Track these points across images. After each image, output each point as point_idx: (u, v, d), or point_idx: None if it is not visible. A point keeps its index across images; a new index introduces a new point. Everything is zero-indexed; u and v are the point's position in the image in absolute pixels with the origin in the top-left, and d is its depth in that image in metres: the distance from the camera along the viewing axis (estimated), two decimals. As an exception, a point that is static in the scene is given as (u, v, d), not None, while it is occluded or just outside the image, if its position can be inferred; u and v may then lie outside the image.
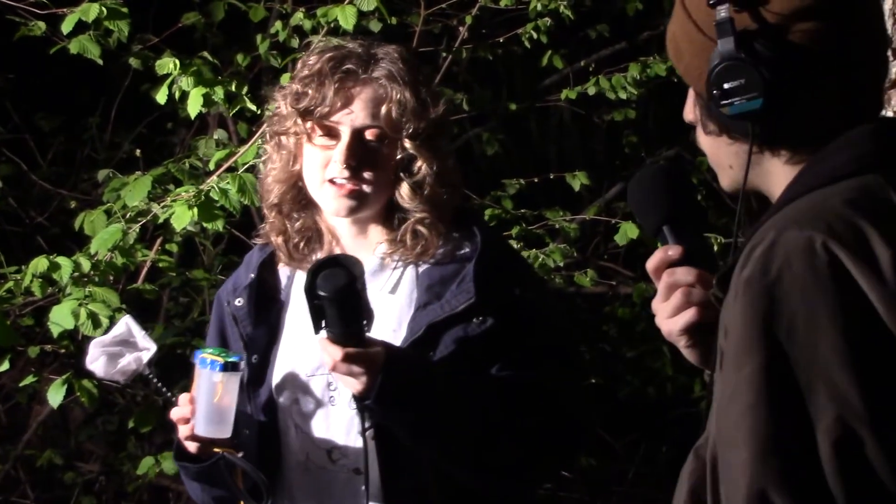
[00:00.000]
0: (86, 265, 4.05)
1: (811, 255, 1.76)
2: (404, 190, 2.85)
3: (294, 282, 2.97)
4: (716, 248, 4.93)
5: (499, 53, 5.52)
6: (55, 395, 4.01)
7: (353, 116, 2.82)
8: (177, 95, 4.07)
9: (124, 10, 4.19)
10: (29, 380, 4.32)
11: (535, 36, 5.14)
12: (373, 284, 2.83)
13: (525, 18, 5.34)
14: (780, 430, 1.73)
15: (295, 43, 4.72)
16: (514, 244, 5.00)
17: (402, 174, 2.85)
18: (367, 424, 2.76)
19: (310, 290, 2.65)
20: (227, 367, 2.78)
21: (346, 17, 4.30)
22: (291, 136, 2.89)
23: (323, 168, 2.84)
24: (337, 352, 2.66)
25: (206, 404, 2.79)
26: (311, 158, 2.87)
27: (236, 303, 2.96)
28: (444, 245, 2.86)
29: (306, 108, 2.84)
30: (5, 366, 4.08)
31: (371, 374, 2.68)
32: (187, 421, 2.82)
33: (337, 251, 2.92)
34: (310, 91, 2.84)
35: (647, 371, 6.53)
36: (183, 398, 2.84)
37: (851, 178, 1.85)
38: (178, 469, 2.97)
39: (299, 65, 2.93)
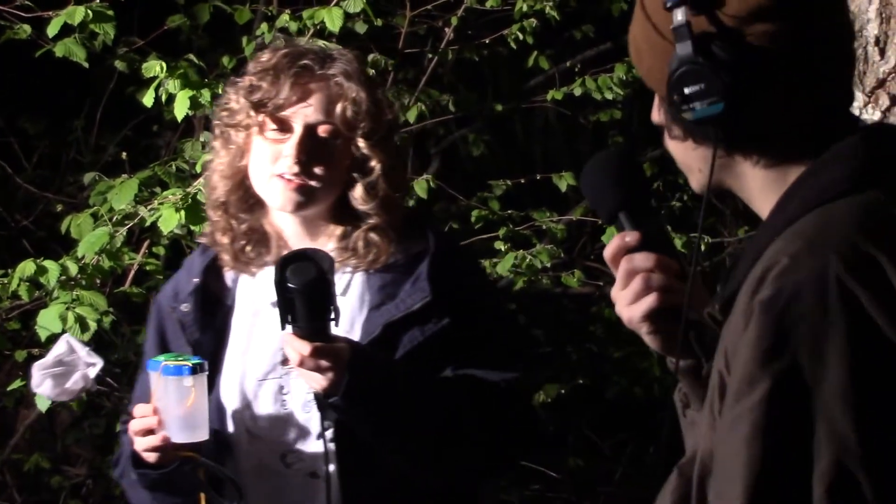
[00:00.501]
0: (73, 269, 4.05)
1: (823, 287, 1.70)
2: (357, 191, 2.85)
3: (239, 286, 2.94)
4: (703, 248, 4.95)
5: (484, 54, 5.51)
6: (43, 400, 4.00)
7: (306, 111, 2.81)
8: (163, 98, 4.07)
9: (110, 12, 4.19)
10: (17, 384, 4.31)
11: (520, 37, 5.14)
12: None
13: (510, 19, 5.34)
14: (776, 467, 1.69)
15: (281, 44, 4.70)
16: (502, 245, 5.01)
17: (354, 174, 2.85)
18: (325, 424, 2.76)
19: (280, 284, 2.63)
20: (196, 370, 2.74)
21: (332, 19, 4.30)
22: (241, 129, 2.86)
23: (272, 162, 2.82)
24: (305, 347, 2.64)
25: (179, 410, 2.74)
26: (260, 152, 2.84)
27: (182, 308, 2.91)
28: (396, 248, 2.85)
29: (260, 100, 2.82)
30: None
31: (338, 370, 2.66)
32: (151, 431, 2.76)
33: (280, 252, 2.87)
34: (264, 84, 2.83)
35: (634, 371, 6.54)
36: (142, 409, 2.78)
37: (851, 194, 1.80)
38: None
39: (252, 61, 2.92)
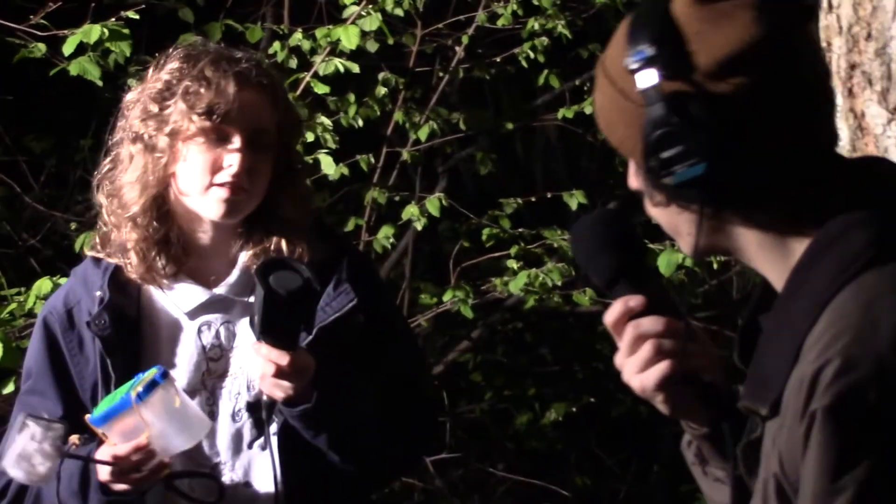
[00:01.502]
0: (88, 287, 4.04)
1: (887, 382, 1.63)
2: (285, 196, 2.83)
3: (143, 298, 2.86)
4: (715, 265, 4.95)
5: (492, 73, 5.53)
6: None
7: (248, 120, 2.76)
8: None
9: (126, 31, 4.20)
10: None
11: (531, 55, 5.16)
12: (241, 295, 2.83)
13: (517, 39, 5.36)
14: None
15: (293, 63, 4.72)
16: (514, 264, 5.02)
17: (281, 181, 2.83)
18: (271, 433, 2.73)
19: (268, 294, 2.59)
20: (165, 374, 2.69)
21: (349, 37, 4.31)
22: (167, 136, 2.75)
23: (210, 172, 2.75)
24: (283, 357, 2.62)
25: (172, 417, 2.69)
26: (196, 161, 2.76)
27: (98, 322, 2.80)
28: (310, 253, 2.83)
29: (204, 106, 2.73)
30: (10, 388, 4.06)
31: (306, 377, 2.67)
32: (143, 462, 2.68)
33: (196, 262, 2.84)
34: (203, 90, 2.74)
35: (640, 390, 6.53)
36: (122, 450, 2.66)
37: (876, 265, 1.71)
38: None
39: (173, 63, 2.80)
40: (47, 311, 2.90)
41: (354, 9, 4.54)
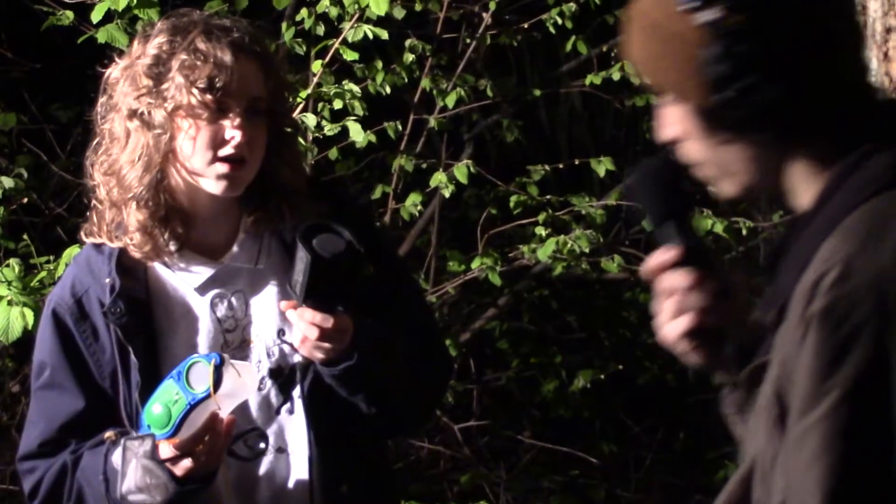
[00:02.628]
0: (117, 254, 4.04)
1: (882, 292, 1.69)
2: (280, 161, 2.81)
3: (150, 277, 2.82)
4: (744, 232, 4.93)
5: (519, 40, 5.50)
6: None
7: (246, 89, 2.73)
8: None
9: (154, -2, 4.19)
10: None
11: (559, 21, 5.13)
12: (249, 262, 2.82)
13: (543, 5, 5.33)
14: (850, 478, 1.68)
15: (321, 31, 4.71)
16: (542, 231, 5.01)
17: (276, 146, 2.80)
18: (297, 396, 2.75)
19: (314, 258, 2.58)
20: (220, 357, 2.68)
21: (378, 3, 4.29)
22: (163, 111, 2.70)
23: (213, 146, 2.71)
24: (327, 320, 2.62)
25: (236, 388, 2.69)
26: (196, 135, 2.71)
27: (115, 311, 2.75)
28: (308, 211, 2.81)
29: (204, 81, 2.69)
30: (41, 355, 4.07)
31: (347, 338, 2.67)
32: (217, 438, 2.68)
33: (199, 234, 2.82)
34: (200, 63, 2.69)
35: (667, 357, 6.52)
36: (198, 436, 2.65)
37: (892, 188, 1.79)
38: None
39: (163, 37, 2.73)
40: (55, 303, 2.83)
41: (383, -25, 4.52)
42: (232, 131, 2.71)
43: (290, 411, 2.79)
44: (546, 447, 6.14)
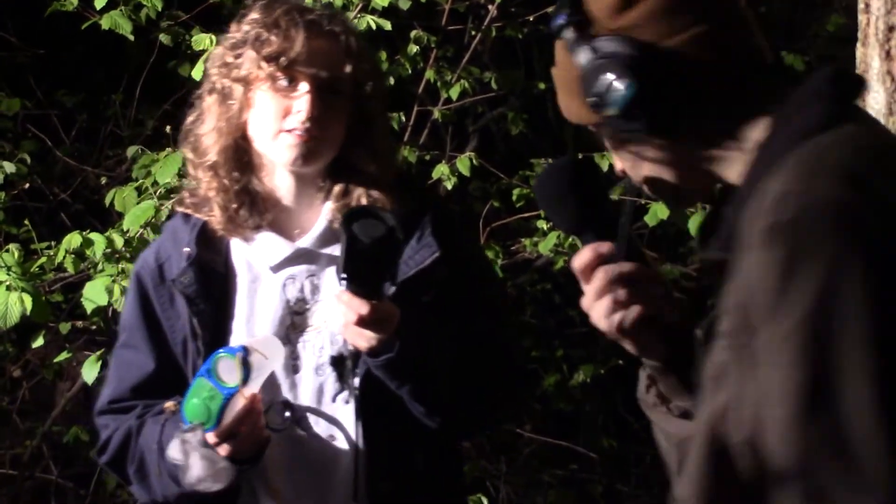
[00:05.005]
0: (118, 241, 4.06)
1: (830, 207, 1.71)
2: (361, 148, 2.83)
3: (232, 252, 2.89)
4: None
5: (525, 32, 5.49)
6: (90, 372, 4.03)
7: (318, 66, 2.77)
8: (211, 71, 4.06)
9: (158, -15, 4.20)
10: (63, 356, 4.33)
11: (565, 15, 5.11)
12: (326, 248, 2.83)
13: (549, -2, 5.32)
14: (828, 381, 1.68)
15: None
16: (544, 224, 5.00)
17: (356, 132, 2.83)
18: (354, 386, 2.75)
19: (350, 240, 2.58)
20: (244, 349, 2.73)
21: (382, -6, 4.29)
22: (243, 84, 2.80)
23: (281, 117, 2.77)
24: (363, 306, 2.61)
25: (263, 370, 2.76)
26: (267, 107, 2.79)
27: (183, 280, 2.84)
28: (393, 205, 2.82)
29: (273, 53, 2.76)
30: (39, 341, 4.09)
31: (390, 327, 2.66)
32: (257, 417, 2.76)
33: (280, 215, 2.85)
34: (273, 37, 2.77)
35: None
36: (239, 419, 2.72)
37: (829, 129, 1.83)
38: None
39: (252, 14, 2.82)
40: (139, 266, 2.94)
41: (388, -35, 4.52)
42: (299, 104, 2.76)
43: (346, 401, 2.80)
44: (546, 441, 6.15)
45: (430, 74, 5.13)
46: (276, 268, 2.86)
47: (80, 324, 4.48)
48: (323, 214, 2.85)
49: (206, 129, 2.84)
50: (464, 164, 4.94)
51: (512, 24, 5.33)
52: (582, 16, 1.90)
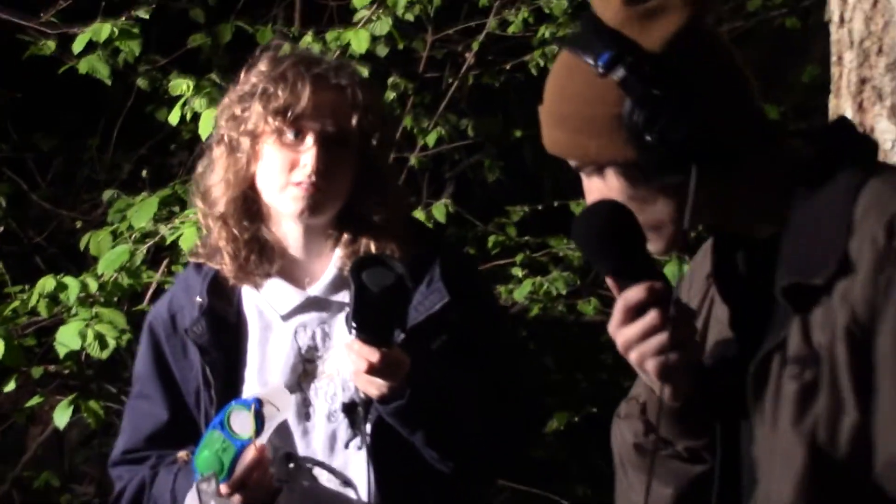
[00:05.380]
0: (93, 285, 4.05)
1: None
2: (369, 197, 2.85)
3: (243, 300, 2.91)
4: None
5: (502, 80, 5.52)
6: (61, 416, 4.01)
7: (324, 120, 2.80)
8: (188, 117, 4.07)
9: (136, 30, 4.21)
10: (35, 400, 4.31)
11: (541, 63, 5.15)
12: (336, 296, 2.85)
13: (527, 46, 5.35)
14: None
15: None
16: (519, 272, 5.01)
17: (365, 182, 2.85)
18: (367, 432, 2.75)
19: (358, 289, 2.59)
20: (258, 401, 2.75)
21: (359, 41, 4.31)
22: (250, 137, 2.83)
23: (288, 171, 2.80)
24: (373, 354, 2.63)
25: (274, 421, 2.78)
26: (273, 160, 2.82)
27: (196, 329, 2.86)
28: (402, 252, 2.83)
29: (279, 107, 2.79)
30: (11, 385, 4.07)
31: (401, 375, 2.67)
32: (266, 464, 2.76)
33: (289, 263, 2.87)
34: (280, 91, 2.79)
35: (643, 401, 6.51)
36: (250, 468, 2.74)
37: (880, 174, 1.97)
38: None
39: (260, 66, 2.86)
40: (152, 317, 2.96)
41: (365, 13, 4.54)
42: (304, 158, 2.79)
43: (359, 447, 2.81)
44: (520, 489, 6.12)
45: (407, 121, 5.15)
46: (287, 316, 2.87)
47: (52, 368, 4.45)
48: (332, 262, 2.87)
49: (215, 179, 2.87)
50: (439, 210, 4.95)
51: (489, 71, 5.36)
52: (632, 52, 1.95)
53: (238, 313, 2.90)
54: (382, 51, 4.96)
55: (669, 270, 4.73)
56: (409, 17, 4.67)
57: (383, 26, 4.43)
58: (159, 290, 4.48)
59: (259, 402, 2.74)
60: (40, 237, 5.89)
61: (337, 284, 2.86)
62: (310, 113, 2.79)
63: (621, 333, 1.97)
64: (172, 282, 4.45)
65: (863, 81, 2.99)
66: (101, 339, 3.89)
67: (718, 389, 2.03)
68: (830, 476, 1.92)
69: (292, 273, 2.89)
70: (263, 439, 2.76)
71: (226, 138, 2.86)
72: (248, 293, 2.90)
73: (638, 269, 1.98)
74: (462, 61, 5.38)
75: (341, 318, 2.84)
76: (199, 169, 2.94)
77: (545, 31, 5.14)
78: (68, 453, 5.99)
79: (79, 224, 5.32)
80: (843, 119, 2.18)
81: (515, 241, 5.28)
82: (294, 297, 2.87)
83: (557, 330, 6.43)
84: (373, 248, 2.84)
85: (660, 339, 1.94)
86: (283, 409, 2.79)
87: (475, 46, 5.21)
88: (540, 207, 5.53)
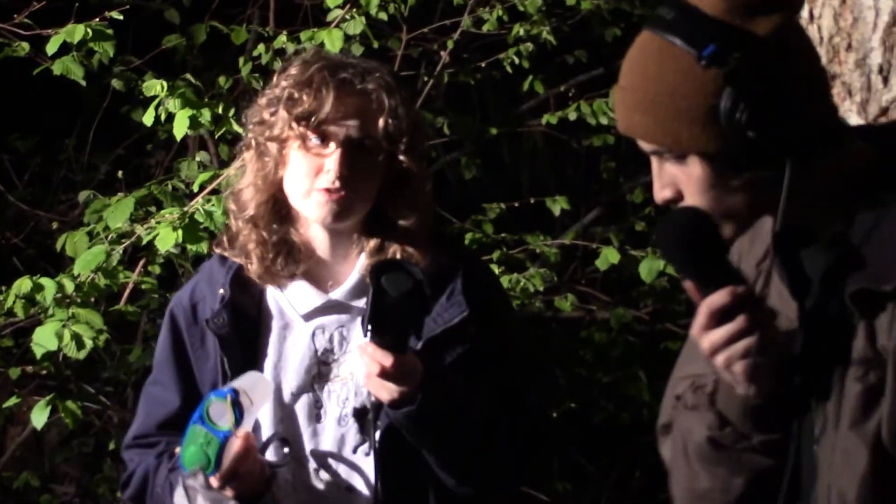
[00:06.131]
0: (69, 286, 4.05)
1: None
2: (397, 204, 2.85)
3: (266, 298, 2.93)
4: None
5: (478, 78, 5.54)
6: (39, 417, 4.01)
7: (349, 125, 2.80)
8: (162, 117, 4.07)
9: (109, 31, 4.20)
10: (13, 401, 4.30)
11: (516, 61, 5.16)
12: (358, 301, 2.86)
13: (503, 44, 5.37)
14: None
15: (277, 66, 4.71)
16: (496, 268, 5.02)
17: (392, 188, 2.85)
18: (376, 438, 2.77)
19: (376, 293, 2.61)
20: (234, 391, 2.77)
21: (332, 41, 4.31)
22: (277, 142, 2.84)
23: (313, 176, 2.81)
24: (387, 358, 2.65)
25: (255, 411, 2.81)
26: (299, 166, 2.83)
27: (217, 320, 2.89)
28: (427, 261, 2.85)
29: (303, 113, 2.80)
30: (-9, 384, 4.07)
31: (413, 382, 2.69)
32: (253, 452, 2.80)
33: (315, 266, 2.88)
34: (304, 97, 2.80)
35: (622, 397, 6.54)
36: (240, 458, 2.77)
37: None
38: None
39: (290, 70, 2.87)
40: (174, 304, 2.99)
41: (339, 12, 4.55)
42: (329, 163, 2.79)
43: (367, 453, 2.82)
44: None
45: (382, 119, 5.14)
46: (308, 317, 2.89)
47: (30, 369, 4.46)
48: (357, 268, 2.88)
49: (245, 183, 2.89)
50: (416, 208, 4.94)
51: (464, 69, 5.37)
52: (738, 46, 1.97)
53: (259, 308, 2.92)
54: (357, 50, 4.94)
55: (645, 268, 4.76)
56: (383, 16, 4.67)
57: (357, 25, 4.43)
58: (136, 291, 4.49)
59: (235, 392, 2.75)
60: (17, 238, 5.88)
61: (359, 290, 2.86)
62: (333, 118, 2.80)
63: (707, 337, 2.00)
64: (150, 282, 4.50)
65: (832, 77, 3.01)
66: (77, 339, 3.89)
67: (793, 386, 2.06)
68: (894, 477, 1.95)
69: (317, 275, 2.91)
70: (247, 427, 2.77)
71: (254, 143, 2.88)
72: (270, 290, 2.92)
73: (721, 275, 2.01)
74: (437, 59, 5.39)
75: (360, 323, 2.83)
76: (232, 170, 2.98)
77: (520, 29, 5.15)
78: (48, 453, 5.99)
79: (55, 225, 5.32)
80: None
81: (492, 238, 5.29)
82: (315, 298, 2.89)
83: (536, 327, 6.45)
84: (398, 255, 2.84)
85: (747, 343, 1.99)
86: (264, 396, 2.80)
87: (450, 44, 5.22)
88: (517, 205, 5.54)
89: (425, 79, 5.38)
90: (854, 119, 2.98)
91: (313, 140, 2.81)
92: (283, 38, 4.65)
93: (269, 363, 2.90)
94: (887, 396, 1.95)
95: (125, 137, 6.01)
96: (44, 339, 3.90)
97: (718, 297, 1.99)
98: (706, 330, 2.00)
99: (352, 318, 2.88)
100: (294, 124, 2.81)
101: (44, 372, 4.46)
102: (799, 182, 2.00)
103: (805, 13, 3.07)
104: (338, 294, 2.89)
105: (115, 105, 5.58)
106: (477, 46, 5.70)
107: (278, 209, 2.89)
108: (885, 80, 2.95)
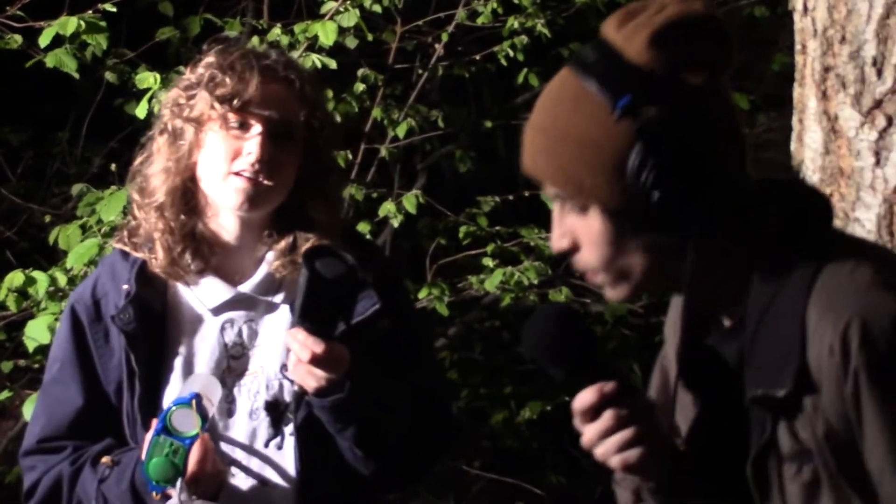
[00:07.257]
0: (62, 280, 4.04)
1: None
2: (311, 196, 2.83)
3: (170, 293, 2.87)
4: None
5: (472, 71, 5.53)
6: (31, 411, 3.98)
7: (270, 110, 2.77)
8: (156, 110, 4.06)
9: (102, 24, 4.19)
10: (5, 394, 4.30)
11: (510, 54, 5.16)
12: (265, 296, 2.84)
13: (497, 37, 5.36)
14: None
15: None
16: (490, 262, 5.03)
17: (309, 181, 2.83)
18: (287, 432, 2.76)
19: (312, 278, 2.59)
20: (196, 395, 2.73)
21: (326, 34, 4.31)
22: (194, 124, 2.79)
23: (231, 159, 2.76)
24: (318, 345, 2.62)
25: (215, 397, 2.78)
26: (217, 148, 2.77)
27: (123, 317, 2.82)
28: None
29: (226, 94, 2.76)
30: (-15, 376, 4.07)
31: (342, 369, 2.66)
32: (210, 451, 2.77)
33: (223, 259, 2.85)
34: (228, 79, 2.76)
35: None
36: (203, 461, 2.74)
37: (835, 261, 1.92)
38: None
39: (208, 58, 2.83)
40: (75, 300, 2.91)
41: (332, 5, 4.54)
42: (249, 146, 2.75)
43: (279, 447, 2.81)
44: (494, 478, 6.14)
45: (377, 113, 5.15)
46: (216, 311, 2.85)
47: (22, 362, 4.46)
48: (265, 262, 2.85)
49: (155, 169, 2.82)
50: (410, 201, 4.96)
51: (459, 62, 5.37)
52: (653, 102, 1.89)
53: (164, 303, 2.86)
54: (351, 42, 4.96)
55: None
56: (377, 8, 4.68)
57: (350, 18, 4.43)
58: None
59: (198, 396, 2.72)
60: (11, 231, 5.87)
61: (267, 285, 2.84)
62: (257, 101, 2.76)
63: (584, 433, 1.99)
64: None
65: (826, 70, 3.00)
66: (70, 333, 3.88)
67: (704, 476, 2.05)
68: None
69: (225, 268, 2.87)
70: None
71: (169, 127, 2.81)
72: (178, 285, 2.87)
73: (589, 372, 1.97)
74: (432, 52, 5.39)
75: (269, 317, 2.83)
76: (138, 160, 2.88)
77: (514, 22, 5.15)
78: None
79: (48, 218, 5.31)
80: (797, 182, 2.16)
81: (487, 231, 5.29)
82: (224, 292, 2.85)
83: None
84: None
85: (618, 438, 1.96)
86: (216, 394, 2.78)
87: (445, 37, 5.22)
88: (511, 198, 5.54)
89: (420, 71, 5.38)
90: (848, 111, 2.97)
91: (234, 122, 2.77)
92: (277, 30, 4.64)
93: (178, 359, 2.85)
94: (825, 489, 1.91)
95: (119, 130, 5.98)
96: (36, 333, 3.90)
97: (586, 396, 1.96)
98: (581, 425, 1.98)
99: (260, 312, 2.85)
100: (216, 104, 2.76)
101: (36, 366, 4.45)
102: (703, 252, 1.94)
103: (799, 5, 3.06)
104: (246, 287, 2.85)
105: (108, 98, 5.57)
106: (472, 39, 5.69)
107: (187, 199, 2.81)
108: (879, 73, 2.94)
